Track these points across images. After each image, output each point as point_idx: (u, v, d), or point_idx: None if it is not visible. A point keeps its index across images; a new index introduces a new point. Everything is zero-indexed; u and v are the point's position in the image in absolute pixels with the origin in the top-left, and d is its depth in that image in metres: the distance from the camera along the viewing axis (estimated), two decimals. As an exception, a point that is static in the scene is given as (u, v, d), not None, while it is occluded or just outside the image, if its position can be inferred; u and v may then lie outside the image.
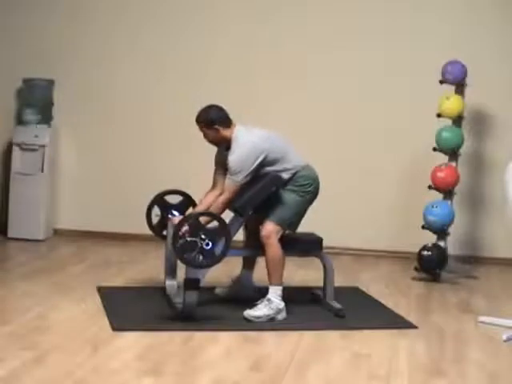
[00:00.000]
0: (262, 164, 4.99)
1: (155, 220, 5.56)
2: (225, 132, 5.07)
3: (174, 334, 4.66)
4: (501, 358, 4.56)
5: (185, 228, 4.76)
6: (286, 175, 5.04)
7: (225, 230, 4.83)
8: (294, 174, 5.07)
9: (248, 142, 4.98)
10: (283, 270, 5.02)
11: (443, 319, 5.28)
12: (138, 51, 7.30)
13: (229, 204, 4.98)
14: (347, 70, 7.09)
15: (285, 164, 5.04)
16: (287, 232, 5.10)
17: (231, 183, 4.97)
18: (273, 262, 4.96)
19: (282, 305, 4.98)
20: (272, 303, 4.94)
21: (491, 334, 4.96)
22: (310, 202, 5.13)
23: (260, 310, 4.93)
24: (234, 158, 4.96)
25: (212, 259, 4.79)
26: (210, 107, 5.14)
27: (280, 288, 4.99)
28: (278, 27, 7.14)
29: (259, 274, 5.34)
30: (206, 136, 5.12)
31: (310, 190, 5.10)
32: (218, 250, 4.79)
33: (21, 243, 6.97)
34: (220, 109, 5.13)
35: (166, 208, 5.51)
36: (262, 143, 5.00)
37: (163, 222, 5.50)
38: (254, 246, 5.16)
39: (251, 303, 5.02)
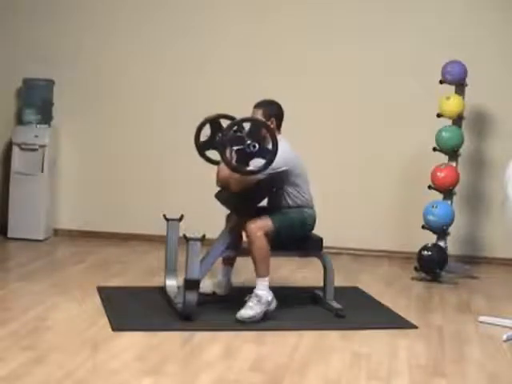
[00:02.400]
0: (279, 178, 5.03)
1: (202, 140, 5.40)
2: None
3: (174, 334, 4.66)
4: (501, 358, 4.55)
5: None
6: (293, 200, 5.11)
7: (261, 123, 4.87)
8: (301, 207, 5.13)
9: (284, 150, 4.98)
10: (269, 263, 4.97)
11: (443, 319, 5.28)
12: (139, 51, 7.30)
13: (238, 186, 4.96)
14: (347, 70, 7.09)
15: (300, 192, 5.12)
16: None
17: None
18: (259, 254, 4.92)
19: (270, 296, 4.95)
20: (261, 298, 4.91)
21: (491, 333, 4.96)
22: (302, 233, 5.17)
23: (252, 310, 4.89)
24: None
25: (268, 153, 4.81)
26: (275, 102, 5.20)
27: (266, 279, 4.95)
28: (277, 26, 7.13)
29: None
30: None
31: (306, 227, 5.17)
32: (268, 152, 4.82)
33: (21, 243, 6.97)
34: (281, 108, 5.19)
35: (217, 130, 5.30)
36: (291, 159, 5.06)
37: (210, 142, 5.32)
38: (235, 246, 5.18)
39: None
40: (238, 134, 4.85)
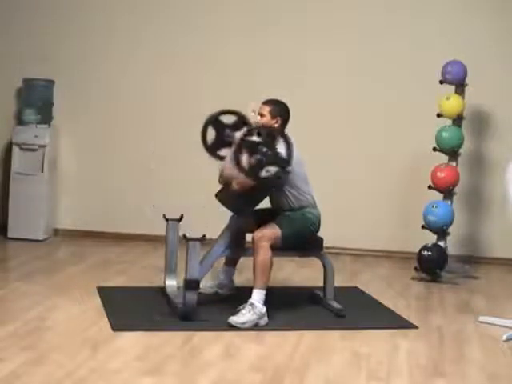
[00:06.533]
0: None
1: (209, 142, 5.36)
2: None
3: (174, 334, 4.66)
4: (501, 358, 4.55)
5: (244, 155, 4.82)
6: (295, 202, 5.11)
7: (277, 132, 4.88)
8: (304, 207, 5.13)
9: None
10: (270, 275, 4.95)
11: (443, 319, 5.28)
12: (139, 51, 7.30)
13: (240, 185, 4.97)
14: (347, 70, 7.09)
15: (301, 193, 5.13)
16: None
17: None
18: (261, 266, 4.90)
19: (264, 309, 4.89)
20: (255, 308, 4.85)
21: (491, 333, 4.96)
22: (309, 236, 5.18)
23: (244, 316, 4.84)
24: None
25: (282, 161, 4.82)
26: (284, 103, 5.22)
27: (264, 293, 4.91)
28: (277, 25, 7.14)
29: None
30: (261, 117, 5.15)
31: (312, 229, 5.17)
32: (282, 152, 4.83)
33: (21, 243, 6.97)
34: (288, 110, 5.21)
35: (221, 128, 5.31)
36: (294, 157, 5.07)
37: (218, 141, 5.29)
38: (238, 246, 5.19)
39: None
40: (254, 139, 4.85)
